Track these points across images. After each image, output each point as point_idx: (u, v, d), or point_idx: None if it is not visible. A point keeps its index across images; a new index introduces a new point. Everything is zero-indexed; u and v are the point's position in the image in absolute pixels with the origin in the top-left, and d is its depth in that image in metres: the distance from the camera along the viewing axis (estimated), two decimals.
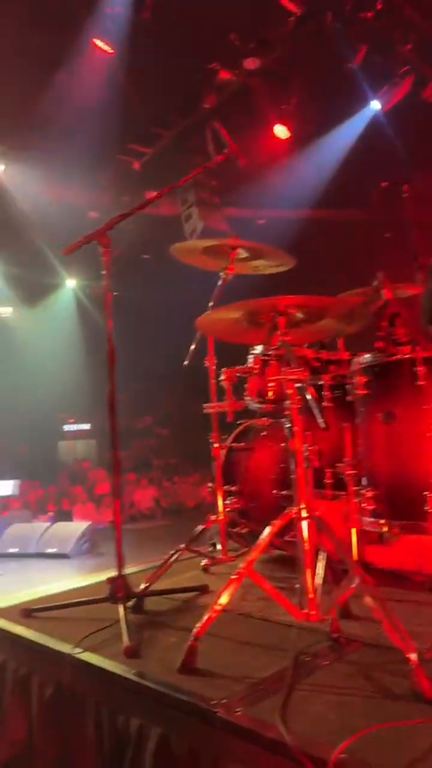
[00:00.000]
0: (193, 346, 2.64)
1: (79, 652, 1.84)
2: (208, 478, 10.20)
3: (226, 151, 2.64)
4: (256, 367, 2.36)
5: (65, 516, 9.29)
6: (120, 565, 2.19)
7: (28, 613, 2.23)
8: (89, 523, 7.46)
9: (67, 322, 12.06)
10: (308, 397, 1.68)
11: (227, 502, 2.72)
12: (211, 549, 2.84)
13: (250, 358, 2.48)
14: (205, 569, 2.69)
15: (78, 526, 7.17)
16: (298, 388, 1.73)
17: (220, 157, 2.61)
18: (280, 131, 7.26)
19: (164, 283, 10.52)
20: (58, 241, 9.39)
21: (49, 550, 6.75)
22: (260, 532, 1.87)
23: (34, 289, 11.83)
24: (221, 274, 2.58)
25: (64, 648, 1.89)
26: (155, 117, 8.08)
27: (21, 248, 9.81)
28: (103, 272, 2.37)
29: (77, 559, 6.58)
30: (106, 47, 6.24)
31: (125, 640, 1.87)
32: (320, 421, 1.60)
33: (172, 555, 2.57)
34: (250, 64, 6.70)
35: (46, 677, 1.97)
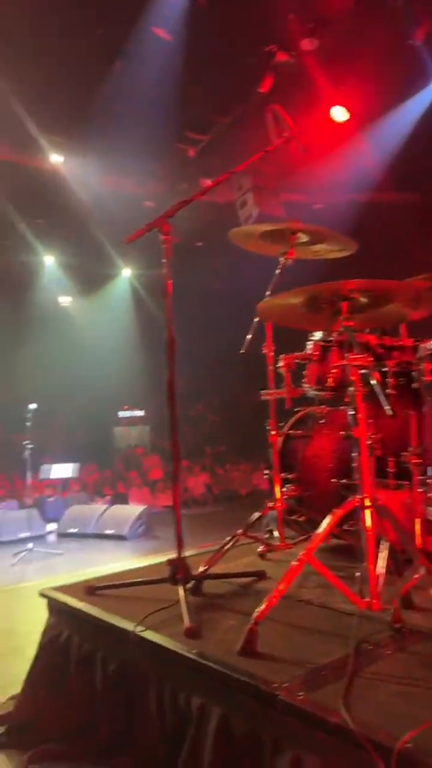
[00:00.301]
0: (250, 335, 2.63)
1: (142, 630, 1.89)
2: (260, 466, 10.22)
3: (287, 134, 2.59)
4: (315, 353, 2.33)
5: (121, 499, 9.53)
6: (180, 548, 2.23)
7: (91, 590, 2.30)
8: (145, 506, 7.62)
9: (122, 311, 12.29)
10: (373, 383, 1.64)
11: (284, 489, 2.71)
12: (267, 536, 2.84)
13: (309, 345, 2.45)
14: (262, 555, 2.70)
15: (134, 509, 7.34)
16: (362, 374, 1.70)
17: (280, 140, 2.57)
18: (339, 113, 7.08)
19: (217, 271, 10.54)
20: (115, 231, 9.56)
21: (107, 531, 6.96)
22: (317, 520, 1.86)
23: (91, 279, 12.10)
24: (280, 259, 2.55)
25: (127, 625, 1.94)
26: (212, 104, 8.05)
27: (80, 239, 10.03)
28: (163, 260, 2.39)
29: (133, 541, 6.75)
30: (164, 35, 6.25)
31: (186, 620, 1.90)
32: (387, 408, 1.57)
33: (230, 540, 2.60)
34: (308, 44, 6.55)
35: (109, 653, 2.04)
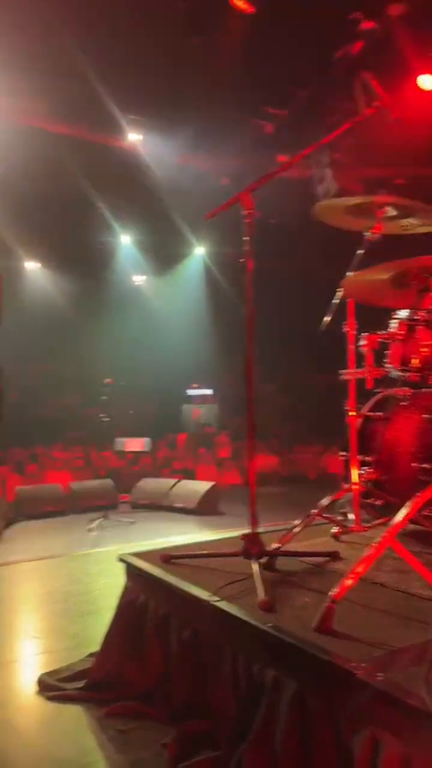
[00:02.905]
0: (329, 313, 2.57)
1: (217, 600, 1.93)
2: (329, 449, 10.08)
3: (377, 104, 2.48)
4: (401, 332, 2.24)
5: (189, 475, 9.70)
6: (254, 523, 2.24)
7: (167, 559, 2.37)
8: (213, 483, 7.73)
9: (194, 290, 12.37)
10: None
11: (361, 472, 2.66)
12: (342, 518, 2.81)
13: (394, 323, 2.36)
14: (336, 537, 2.67)
15: (203, 485, 7.46)
16: None
17: (369, 110, 2.46)
18: (426, 82, 6.71)
19: (290, 249, 10.36)
20: (190, 209, 9.58)
21: (176, 505, 7.13)
22: (394, 505, 1.82)
23: (165, 258, 12.23)
24: (366, 234, 2.46)
25: (202, 595, 1.99)
26: (291, 77, 7.84)
27: (155, 218, 10.15)
28: (244, 238, 2.36)
29: (201, 516, 6.88)
30: (245, 6, 6.11)
31: (260, 594, 1.92)
32: None
33: (304, 519, 2.59)
34: (395, 10, 6.21)
35: (184, 620, 2.10)
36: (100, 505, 7.12)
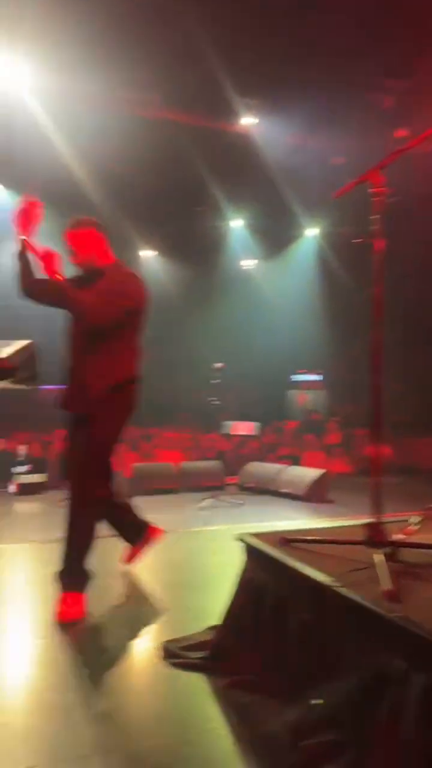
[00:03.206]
0: None
1: (339, 586, 1.92)
2: None
3: None
4: None
5: (296, 461, 9.67)
6: (378, 512, 2.20)
7: (285, 542, 2.39)
8: (324, 470, 7.65)
9: (306, 273, 12.18)
10: None
11: None
12: None
13: None
14: None
15: (313, 472, 7.41)
16: None
17: None
18: None
19: (409, 229, 9.83)
20: (304, 189, 9.42)
21: (284, 490, 7.16)
22: None
23: (277, 241, 12.15)
24: None
25: (324, 580, 1.98)
26: (410, 48, 7.41)
27: (267, 200, 10.10)
28: (372, 217, 2.28)
29: (311, 503, 6.85)
30: None
31: (384, 583, 1.88)
32: None
33: (425, 511, 2.49)
34: None
35: (304, 603, 2.12)
36: (209, 486, 7.33)
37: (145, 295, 3.14)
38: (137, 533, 3.58)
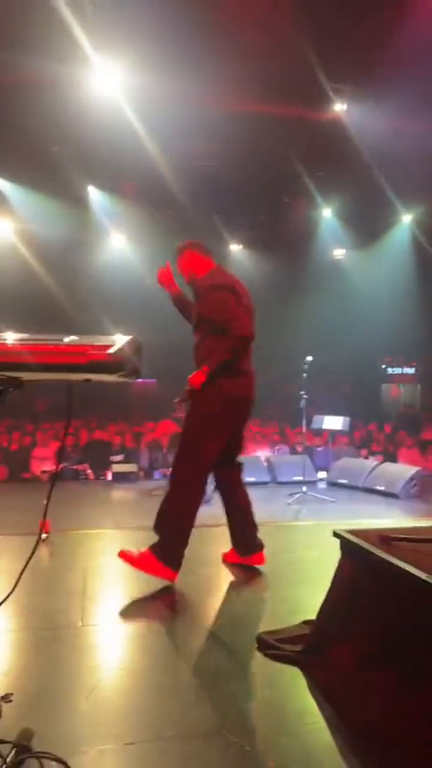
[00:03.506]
0: None
1: None
2: None
3: None
4: None
5: (389, 458, 9.36)
6: None
7: (386, 540, 2.32)
8: (419, 467, 7.35)
9: (399, 262, 11.68)
10: None
11: None
12: None
13: None
14: None
15: (408, 469, 7.13)
16: None
17: None
18: None
19: None
20: (398, 174, 9.04)
21: (377, 487, 6.95)
22: None
23: (368, 229, 11.76)
24: None
25: (429, 579, 1.91)
26: None
27: (359, 188, 9.79)
28: None
29: (405, 501, 6.60)
30: None
31: None
32: None
33: None
34: None
35: (407, 603, 2.04)
36: (298, 481, 7.26)
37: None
38: (247, 548, 3.59)
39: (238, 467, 3.61)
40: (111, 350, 1.47)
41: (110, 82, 7.55)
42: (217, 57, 7.27)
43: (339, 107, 8.39)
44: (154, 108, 7.96)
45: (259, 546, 3.56)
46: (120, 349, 1.50)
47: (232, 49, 7.24)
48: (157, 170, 9.07)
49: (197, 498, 3.31)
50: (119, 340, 1.51)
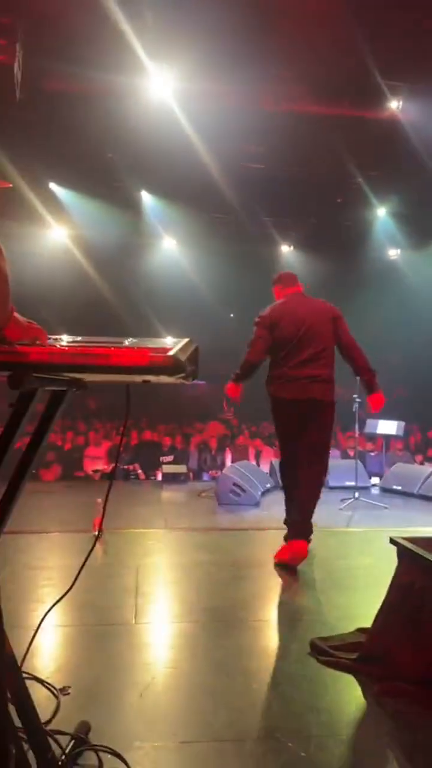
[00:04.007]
0: None
1: None
2: None
3: None
4: None
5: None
6: None
7: None
8: None
9: None
10: None
11: None
12: None
13: None
14: None
15: None
16: None
17: None
18: None
19: None
20: None
21: None
22: None
23: (423, 229, 11.44)
24: None
25: None
26: None
27: (413, 187, 9.54)
28: None
29: None
30: None
31: None
32: None
33: None
34: None
35: None
36: (350, 486, 7.13)
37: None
38: (294, 532, 3.86)
39: (308, 466, 3.89)
40: (171, 352, 1.49)
41: (163, 87, 7.65)
42: (269, 56, 7.25)
43: (394, 105, 8.20)
44: (206, 111, 8.01)
45: (298, 533, 3.81)
46: (179, 352, 1.52)
47: (284, 48, 7.21)
48: (208, 173, 9.13)
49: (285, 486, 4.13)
50: (177, 343, 1.53)
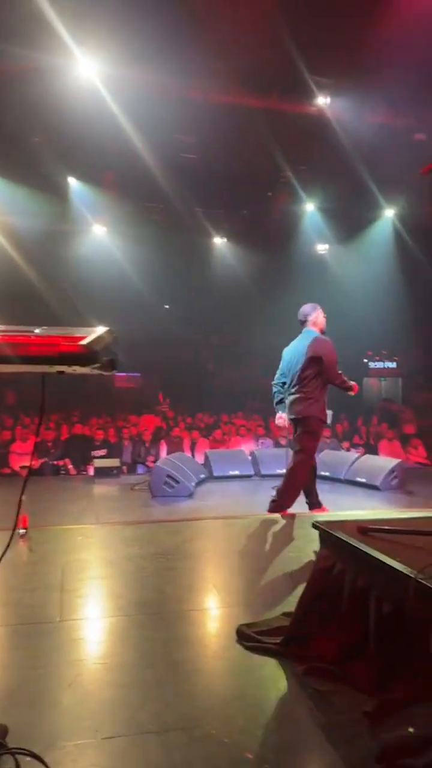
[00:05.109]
0: None
1: (424, 578, 1.85)
2: None
3: None
4: None
5: (371, 451, 9.43)
6: None
7: (365, 530, 2.34)
8: (399, 460, 7.41)
9: (381, 256, 11.72)
10: None
11: None
12: None
13: None
14: None
15: (388, 461, 7.19)
16: None
17: None
18: None
19: None
20: (380, 168, 9.07)
21: (359, 479, 6.99)
22: None
23: (351, 224, 11.78)
24: None
25: (408, 571, 1.92)
26: None
27: (342, 182, 9.80)
28: None
29: (386, 493, 6.65)
30: None
31: None
32: None
33: None
34: None
35: (385, 594, 2.06)
36: (281, 473, 7.27)
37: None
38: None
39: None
40: (84, 342, 1.44)
41: (92, 73, 7.45)
42: (201, 49, 7.21)
43: (322, 101, 8.37)
44: (137, 98, 7.87)
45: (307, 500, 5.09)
46: (94, 341, 1.47)
47: (213, 39, 7.19)
48: (140, 162, 8.98)
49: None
50: (93, 332, 1.49)
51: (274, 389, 5.17)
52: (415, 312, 12.02)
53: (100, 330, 1.54)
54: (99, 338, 1.49)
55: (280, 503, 4.81)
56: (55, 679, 2.22)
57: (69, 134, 8.51)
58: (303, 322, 5.28)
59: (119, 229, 11.69)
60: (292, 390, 4.94)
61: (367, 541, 2.22)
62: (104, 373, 1.57)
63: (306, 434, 4.90)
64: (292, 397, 4.93)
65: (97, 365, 1.47)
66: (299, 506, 4.99)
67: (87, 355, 1.40)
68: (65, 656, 2.41)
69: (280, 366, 5.17)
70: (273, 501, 4.87)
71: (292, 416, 4.92)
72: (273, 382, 5.19)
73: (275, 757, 1.74)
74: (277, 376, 5.19)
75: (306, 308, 5.34)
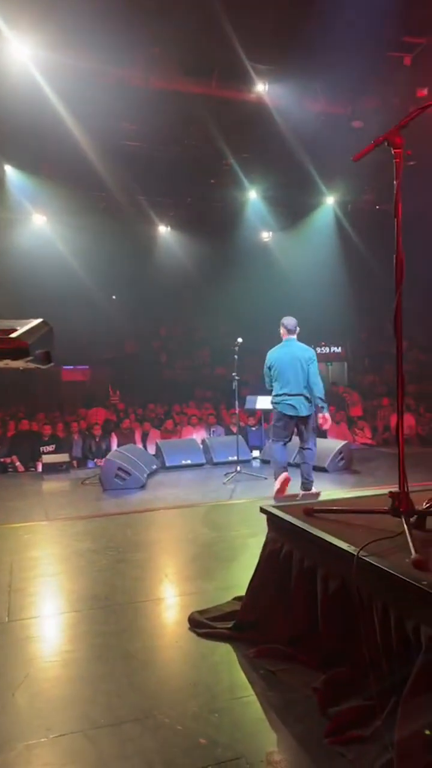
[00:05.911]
0: None
1: (366, 555, 1.91)
2: None
3: None
4: None
5: (320, 434, 9.62)
6: (403, 481, 2.17)
7: (310, 512, 2.39)
8: (346, 441, 7.61)
9: (324, 243, 11.91)
10: None
11: None
12: None
13: None
14: None
15: (335, 444, 7.37)
16: None
17: None
18: None
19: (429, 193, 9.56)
20: (320, 156, 9.18)
21: None
22: None
23: (293, 212, 11.89)
24: None
25: (351, 549, 1.97)
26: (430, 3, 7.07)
27: (283, 169, 9.86)
28: (394, 182, 2.21)
29: (334, 474, 6.83)
30: None
31: (412, 551, 1.87)
32: None
33: None
34: None
35: (331, 572, 2.11)
36: (233, 461, 7.34)
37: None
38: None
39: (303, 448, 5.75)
40: (14, 335, 1.39)
41: (24, 57, 7.17)
42: (135, 30, 7.05)
43: (261, 87, 8.37)
44: (74, 84, 7.64)
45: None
46: (25, 333, 1.42)
47: (150, 23, 7.05)
48: (80, 149, 8.74)
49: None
50: (25, 325, 1.44)
51: (290, 400, 5.45)
52: (357, 297, 12.30)
53: (33, 322, 1.49)
54: (31, 330, 1.45)
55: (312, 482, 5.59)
56: (4, 680, 2.17)
57: (2, 120, 8.18)
58: (291, 332, 5.73)
59: (61, 218, 11.37)
60: (296, 392, 5.43)
61: (312, 522, 2.27)
62: (40, 366, 1.52)
63: (313, 428, 5.65)
64: (298, 398, 5.41)
65: (30, 358, 1.42)
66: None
67: (17, 349, 1.35)
68: (14, 657, 2.36)
69: (279, 373, 5.52)
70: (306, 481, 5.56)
71: (303, 414, 5.43)
72: (282, 392, 5.47)
73: (228, 741, 1.76)
74: (279, 384, 5.52)
75: (294, 320, 5.80)
